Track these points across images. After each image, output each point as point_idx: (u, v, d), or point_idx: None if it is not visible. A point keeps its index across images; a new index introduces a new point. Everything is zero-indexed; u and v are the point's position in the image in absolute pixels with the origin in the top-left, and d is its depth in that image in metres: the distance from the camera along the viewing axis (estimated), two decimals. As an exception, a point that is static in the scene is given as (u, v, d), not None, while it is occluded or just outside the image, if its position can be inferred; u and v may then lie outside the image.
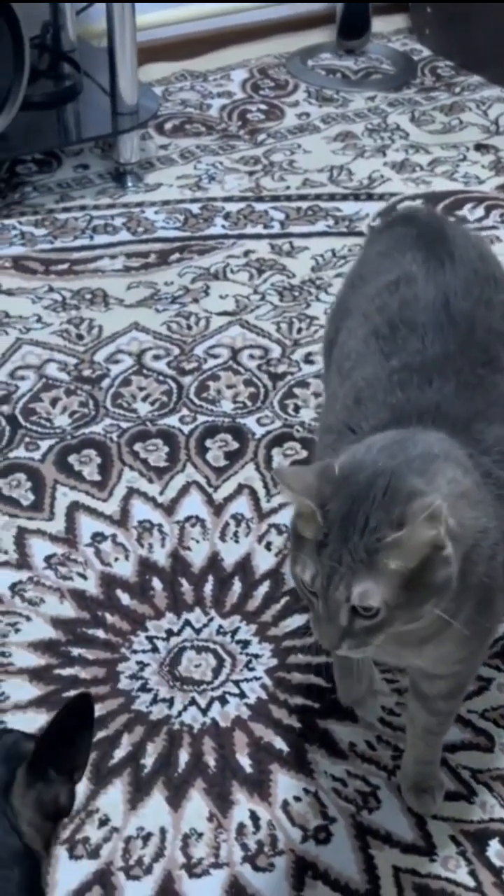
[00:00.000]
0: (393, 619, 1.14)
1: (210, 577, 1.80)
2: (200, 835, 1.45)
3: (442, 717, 1.42)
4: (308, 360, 2.19)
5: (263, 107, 3.06)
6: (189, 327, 2.30)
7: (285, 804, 1.49)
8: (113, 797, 1.49)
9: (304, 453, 1.99)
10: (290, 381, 2.15)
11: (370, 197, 2.68)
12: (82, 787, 1.50)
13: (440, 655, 1.28)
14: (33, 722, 1.58)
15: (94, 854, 1.43)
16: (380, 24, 3.35)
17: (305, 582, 1.17)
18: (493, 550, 1.23)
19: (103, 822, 1.47)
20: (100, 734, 1.57)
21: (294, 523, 1.19)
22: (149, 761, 1.54)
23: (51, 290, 2.40)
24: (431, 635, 1.21)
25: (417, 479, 1.15)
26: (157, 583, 1.79)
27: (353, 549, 1.12)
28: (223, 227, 2.58)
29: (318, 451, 1.44)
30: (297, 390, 2.13)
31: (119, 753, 1.55)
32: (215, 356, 2.23)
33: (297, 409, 2.09)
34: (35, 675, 1.65)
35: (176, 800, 1.49)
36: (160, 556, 1.83)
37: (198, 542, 1.86)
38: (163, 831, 1.46)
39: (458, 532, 1.16)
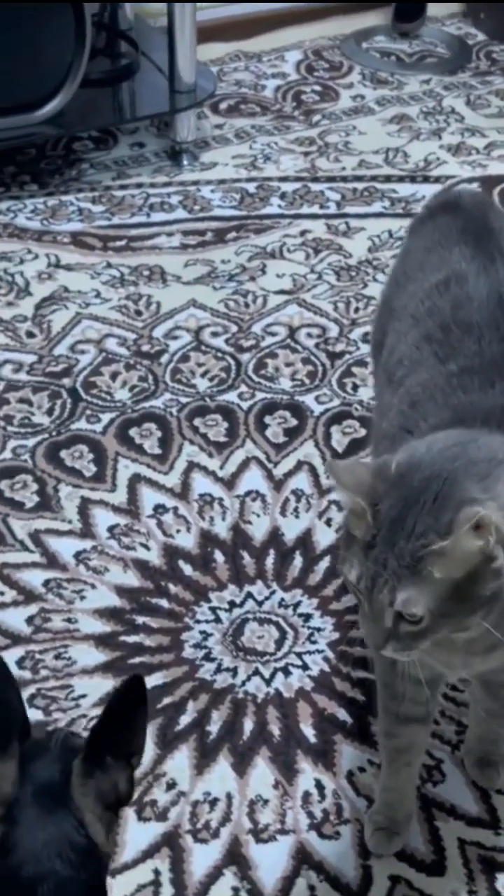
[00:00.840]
0: (438, 627, 1.11)
1: (271, 551, 1.81)
2: (266, 801, 1.47)
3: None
4: (366, 339, 2.19)
5: (318, 88, 3.06)
6: (246, 305, 2.31)
7: (350, 774, 1.51)
8: (179, 762, 1.51)
9: (362, 431, 2.00)
10: (348, 360, 2.16)
11: (426, 179, 2.68)
12: (149, 752, 1.52)
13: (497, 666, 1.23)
14: (100, 687, 1.61)
15: (161, 817, 1.45)
16: (435, 8, 3.34)
17: (352, 581, 1.15)
18: None
19: (170, 785, 1.49)
20: (165, 700, 1.59)
21: (346, 520, 1.16)
22: (214, 728, 1.56)
23: (109, 265, 2.42)
24: (492, 646, 1.16)
25: (474, 486, 1.11)
26: (218, 555, 1.81)
27: (398, 554, 1.09)
28: (279, 206, 2.59)
29: (374, 458, 1.40)
30: (355, 369, 2.14)
31: (185, 720, 1.57)
32: (273, 334, 2.24)
33: (355, 387, 2.10)
34: (101, 641, 1.67)
35: (241, 766, 1.51)
36: (221, 529, 1.85)
37: (258, 516, 1.87)
38: (229, 797, 1.48)
39: None
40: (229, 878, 1.39)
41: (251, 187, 2.65)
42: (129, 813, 1.45)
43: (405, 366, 1.36)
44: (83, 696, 1.59)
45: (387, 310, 1.49)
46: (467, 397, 1.26)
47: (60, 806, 0.98)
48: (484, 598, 1.09)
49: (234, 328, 2.25)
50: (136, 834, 1.43)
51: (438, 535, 1.08)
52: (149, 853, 1.41)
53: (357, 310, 2.28)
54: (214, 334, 2.24)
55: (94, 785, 0.99)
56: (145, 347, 2.21)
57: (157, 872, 1.39)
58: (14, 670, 1.61)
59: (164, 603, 1.73)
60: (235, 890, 1.37)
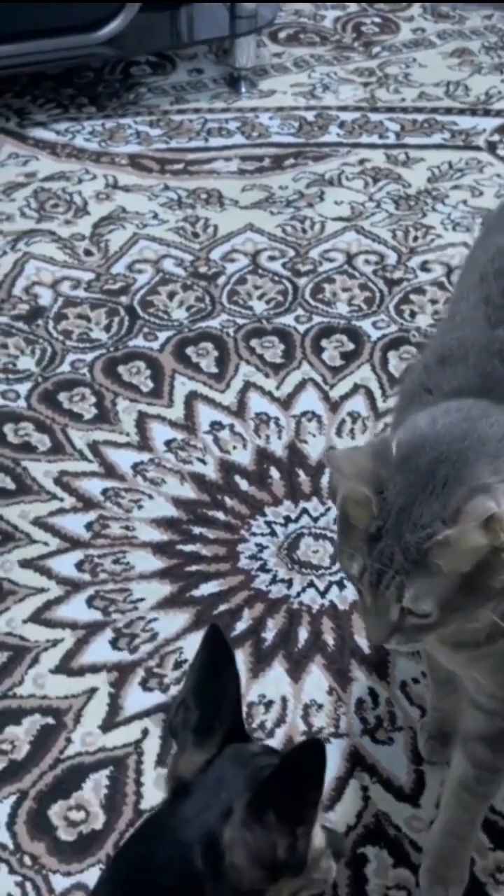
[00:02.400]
0: (446, 620, 1.04)
1: (327, 470, 1.82)
2: (320, 706, 1.49)
3: (479, 772, 1.24)
4: (424, 267, 2.19)
5: (378, 20, 3.03)
6: (304, 231, 2.30)
7: (403, 685, 1.52)
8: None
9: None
10: (406, 287, 2.16)
11: (487, 113, 2.65)
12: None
13: (484, 672, 1.15)
14: (157, 592, 1.63)
15: (218, 716, 1.48)
16: None
17: (353, 576, 1.06)
18: None
19: (226, 688, 1.51)
20: (221, 607, 1.61)
21: (342, 507, 1.07)
22: (269, 635, 1.58)
23: (167, 188, 2.41)
24: (482, 643, 1.10)
25: (485, 468, 1.02)
26: (274, 472, 1.82)
27: (405, 546, 1.01)
28: (338, 135, 2.57)
29: (394, 420, 1.28)
30: (413, 296, 2.13)
31: (241, 626, 1.59)
32: (331, 260, 2.23)
33: (413, 314, 2.10)
34: (158, 548, 1.69)
35: (296, 672, 1.53)
36: (277, 448, 1.86)
37: (314, 436, 1.88)
38: (284, 700, 1.50)
39: None
40: (284, 777, 1.41)
41: (310, 115, 2.64)
42: (185, 711, 1.48)
43: (456, 321, 1.27)
44: (141, 599, 1.62)
45: (471, 257, 1.40)
46: (503, 367, 1.16)
47: (209, 825, 0.95)
48: (495, 591, 1.02)
49: (291, 253, 2.24)
50: (192, 731, 1.46)
51: (444, 523, 1.00)
52: (205, 750, 1.44)
53: (416, 238, 2.27)
54: (271, 258, 2.23)
55: (248, 835, 0.94)
56: (202, 269, 2.21)
57: (213, 768, 1.42)
58: (73, 573, 1.66)
59: (220, 515, 1.75)
60: (290, 787, 1.40)
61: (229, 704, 1.00)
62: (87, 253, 2.24)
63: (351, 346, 2.04)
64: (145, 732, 1.46)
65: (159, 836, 0.97)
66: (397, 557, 1.01)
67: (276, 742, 1.45)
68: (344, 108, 2.67)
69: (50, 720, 1.47)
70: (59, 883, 1.30)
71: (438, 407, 1.10)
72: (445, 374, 1.17)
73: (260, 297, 2.15)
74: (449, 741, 1.42)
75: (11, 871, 1.32)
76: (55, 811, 1.38)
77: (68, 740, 1.45)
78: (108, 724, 1.47)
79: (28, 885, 1.30)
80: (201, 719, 0.99)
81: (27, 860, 1.33)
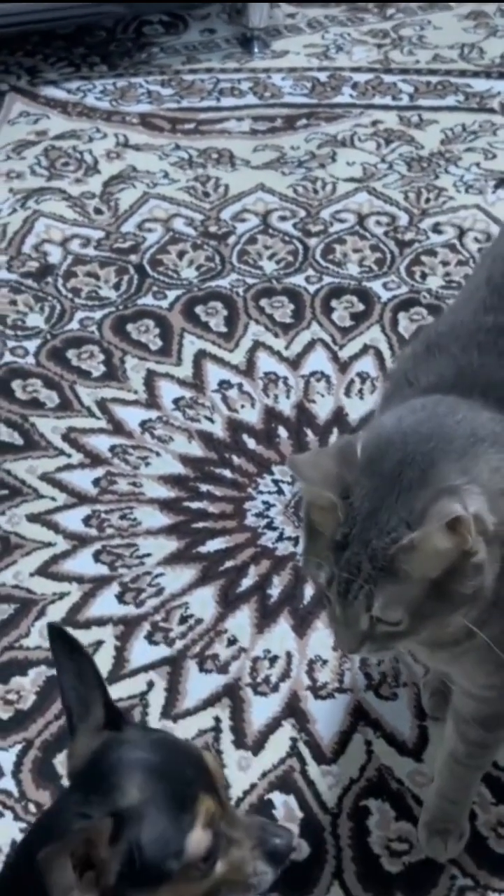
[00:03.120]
0: (417, 627, 1.01)
1: (335, 430, 1.82)
2: (325, 662, 1.50)
3: (471, 748, 1.24)
4: (436, 229, 2.18)
5: (393, -19, 3.00)
6: (315, 191, 2.29)
7: (407, 641, 1.53)
8: (240, 620, 1.54)
9: (430, 319, 1.99)
10: (417, 249, 2.14)
11: (502, 76, 2.62)
12: (210, 609, 1.55)
13: (470, 667, 1.14)
14: (164, 547, 1.63)
15: (223, 669, 1.48)
16: None
17: (321, 584, 1.03)
18: None
19: (231, 641, 1.52)
20: (228, 563, 1.62)
21: (307, 514, 1.04)
22: (275, 592, 1.58)
23: (177, 147, 2.40)
24: (461, 641, 1.06)
25: (452, 467, 0.99)
26: (282, 431, 1.82)
27: (372, 554, 0.97)
28: (351, 96, 2.55)
29: (380, 406, 1.25)
30: (424, 258, 2.12)
31: (246, 582, 1.59)
32: (342, 220, 2.22)
33: (424, 276, 2.08)
34: (165, 505, 1.69)
35: (301, 629, 1.54)
36: (285, 407, 1.86)
37: (322, 396, 1.88)
38: (289, 655, 1.50)
39: (500, 532, 0.99)
40: (287, 730, 1.42)
41: (322, 76, 2.61)
42: (190, 664, 1.49)
43: (457, 303, 1.24)
44: (147, 554, 1.62)
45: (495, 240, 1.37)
46: (481, 359, 1.13)
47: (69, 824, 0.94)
48: (465, 597, 0.99)
49: (302, 213, 2.23)
50: (197, 683, 1.46)
51: (409, 527, 0.97)
52: (210, 702, 1.45)
53: (428, 200, 2.26)
54: (282, 218, 2.22)
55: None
56: (212, 228, 2.20)
57: (217, 720, 1.43)
58: (80, 528, 1.66)
59: (227, 473, 1.75)
60: (293, 740, 1.41)
61: (92, 691, 1.00)
62: (97, 211, 2.23)
63: (361, 307, 2.03)
64: (150, 685, 1.47)
65: (37, 827, 1.01)
66: (364, 566, 0.98)
67: (280, 696, 1.46)
68: (357, 70, 2.64)
69: (56, 672, 1.48)
70: (64, 830, 1.32)
71: (405, 405, 1.07)
72: (428, 364, 1.14)
73: (270, 258, 2.14)
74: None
75: (16, 818, 1.33)
76: (60, 760, 1.38)
77: (74, 691, 1.46)
78: (114, 677, 1.47)
79: (33, 832, 1.32)
80: (74, 713, 1.00)
81: (32, 808, 1.34)
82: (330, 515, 1.00)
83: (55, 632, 1.01)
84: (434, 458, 0.99)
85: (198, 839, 0.95)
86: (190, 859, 0.94)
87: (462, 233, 2.17)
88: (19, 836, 1.30)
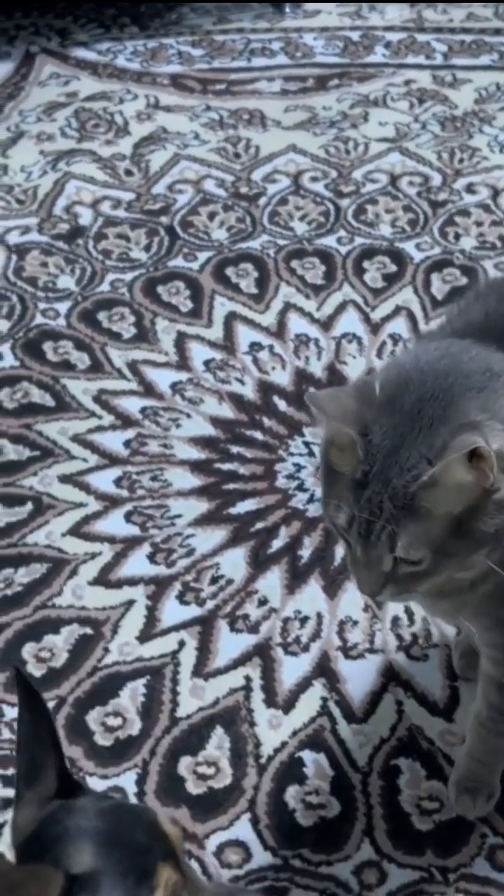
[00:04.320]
0: (441, 567, 1.00)
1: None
2: (356, 622, 1.50)
3: (491, 712, 1.24)
4: (470, 189, 2.15)
5: None
6: (347, 152, 2.26)
7: (439, 602, 1.53)
8: (271, 581, 1.54)
9: (463, 280, 1.97)
10: (450, 209, 2.12)
11: (537, 33, 2.58)
12: (241, 570, 1.55)
13: (471, 619, 1.12)
14: (195, 509, 1.64)
15: (253, 629, 1.49)
16: None
17: (341, 526, 1.01)
18: None
19: (262, 602, 1.52)
20: (258, 525, 1.62)
21: (325, 455, 1.03)
22: (305, 553, 1.58)
23: (208, 108, 2.38)
24: (464, 590, 1.06)
25: (471, 403, 0.98)
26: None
27: (393, 492, 0.97)
28: (384, 55, 2.52)
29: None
30: (458, 218, 2.10)
31: (277, 544, 1.59)
32: (374, 181, 2.19)
33: (457, 236, 2.06)
34: (196, 466, 1.70)
35: (332, 589, 1.54)
36: (316, 369, 1.85)
37: (354, 357, 1.87)
38: (319, 616, 1.51)
39: None
40: (318, 689, 1.42)
41: (355, 35, 2.58)
42: (221, 624, 1.49)
43: None
44: (178, 515, 1.63)
45: None
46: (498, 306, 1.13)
47: None
48: (488, 535, 0.98)
49: (333, 174, 2.21)
50: (227, 643, 1.47)
51: (429, 462, 0.96)
52: (240, 661, 1.45)
53: (462, 160, 2.23)
54: (314, 179, 2.20)
55: None
56: (243, 190, 2.18)
57: (248, 679, 1.43)
58: (111, 489, 1.67)
59: (258, 435, 1.75)
60: (324, 699, 1.41)
61: (47, 755, 0.94)
62: (128, 173, 2.22)
63: (393, 268, 2.01)
64: (181, 644, 1.47)
65: None
66: (386, 505, 0.97)
67: (311, 656, 1.46)
68: (390, 29, 2.61)
69: (88, 630, 1.49)
70: (97, 785, 1.33)
71: (419, 345, 1.07)
72: (467, 311, 1.15)
73: (301, 219, 2.12)
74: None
75: (49, 773, 1.34)
76: (93, 717, 1.40)
77: (106, 650, 1.46)
78: (145, 636, 1.48)
79: (65, 787, 1.33)
80: (22, 777, 0.94)
81: (65, 763, 1.35)
82: (349, 454, 0.99)
83: (20, 678, 0.95)
84: (454, 394, 0.99)
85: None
86: None
87: (496, 193, 2.14)
88: (52, 791, 1.32)
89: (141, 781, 1.33)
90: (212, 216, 2.13)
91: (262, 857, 1.27)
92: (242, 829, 1.29)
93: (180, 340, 1.89)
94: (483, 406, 0.98)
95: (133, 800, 1.32)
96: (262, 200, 2.16)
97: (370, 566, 1.01)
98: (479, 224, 2.08)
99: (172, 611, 1.51)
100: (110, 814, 0.92)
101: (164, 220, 2.12)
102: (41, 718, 0.94)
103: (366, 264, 2.02)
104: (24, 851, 0.91)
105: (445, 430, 0.96)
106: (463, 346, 1.04)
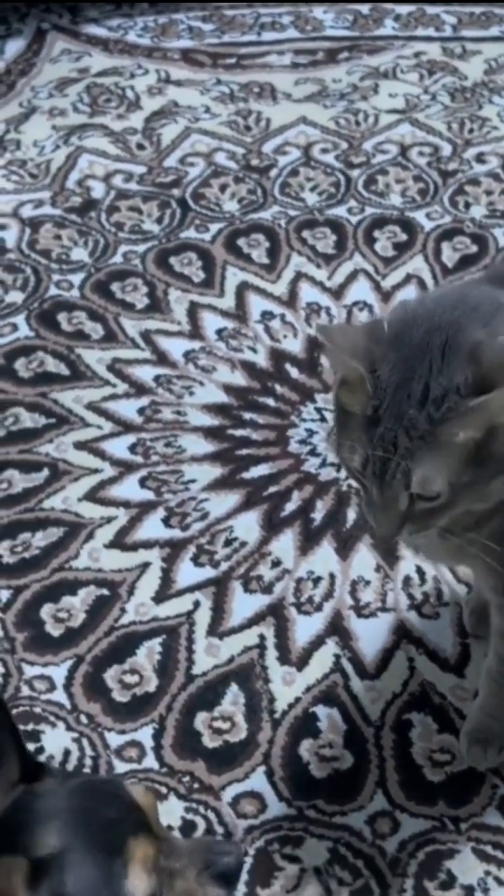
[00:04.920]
0: (458, 499, 1.00)
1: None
2: (368, 582, 1.52)
3: (502, 667, 1.26)
4: (480, 159, 2.16)
5: None
6: (357, 123, 2.28)
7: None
8: (284, 543, 1.57)
9: (474, 248, 1.98)
10: (460, 179, 2.13)
11: (547, 3, 2.59)
12: (255, 533, 1.58)
13: (471, 564, 1.15)
14: (209, 474, 1.66)
15: (267, 590, 1.51)
16: None
17: (355, 469, 1.01)
18: None
19: (275, 563, 1.54)
20: (271, 489, 1.64)
21: (337, 396, 1.03)
22: (318, 516, 1.60)
23: (219, 82, 2.39)
24: (475, 525, 1.05)
25: (481, 329, 0.98)
26: (325, 360, 1.83)
27: (409, 425, 0.96)
28: (393, 28, 2.53)
29: None
30: (468, 188, 2.11)
31: (290, 507, 1.61)
32: (384, 152, 2.21)
33: (467, 205, 2.07)
34: (209, 433, 1.72)
35: (344, 551, 1.56)
36: (328, 336, 1.87)
37: (365, 325, 1.89)
38: (332, 576, 1.53)
39: None
40: (331, 647, 1.44)
41: (364, 8, 2.59)
42: (235, 585, 1.52)
43: None
44: (192, 480, 1.65)
45: None
46: None
47: None
48: None
49: (344, 145, 2.22)
50: (241, 603, 1.49)
51: (461, 395, 0.95)
52: (254, 620, 1.47)
53: (471, 130, 2.24)
54: (324, 151, 2.22)
55: None
56: (254, 162, 2.20)
57: (262, 637, 1.46)
58: (126, 455, 1.69)
59: (270, 402, 1.77)
60: (337, 657, 1.43)
61: (4, 742, 0.92)
62: (140, 147, 2.23)
63: (404, 237, 2.03)
64: (197, 604, 1.50)
65: None
66: (401, 439, 0.96)
67: (323, 615, 1.48)
68: (399, 1, 2.61)
69: (105, 591, 1.51)
70: (114, 740, 1.36)
71: (434, 289, 1.07)
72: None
73: (312, 189, 2.14)
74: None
75: (69, 728, 1.37)
76: (110, 675, 1.42)
77: (122, 610, 1.49)
78: (161, 596, 1.51)
79: (84, 741, 1.36)
80: None
81: (83, 719, 1.38)
82: (359, 391, 0.98)
83: None
84: (461, 324, 0.98)
85: (137, 885, 0.88)
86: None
87: (506, 162, 2.15)
88: (71, 745, 1.35)
89: (158, 736, 1.36)
90: (223, 188, 2.14)
91: (277, 808, 1.30)
92: (258, 781, 1.32)
93: (193, 310, 1.91)
94: (491, 332, 0.98)
95: (150, 755, 1.35)
96: (273, 172, 2.17)
97: (386, 506, 1.00)
98: (488, 193, 2.09)
99: (187, 572, 1.54)
100: (77, 792, 0.92)
101: (175, 192, 2.13)
102: None
103: (376, 234, 2.04)
104: None
105: (462, 353, 0.96)
106: (472, 283, 1.06)
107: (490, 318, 0.99)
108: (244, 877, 1.23)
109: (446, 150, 2.20)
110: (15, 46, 2.52)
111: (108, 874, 0.87)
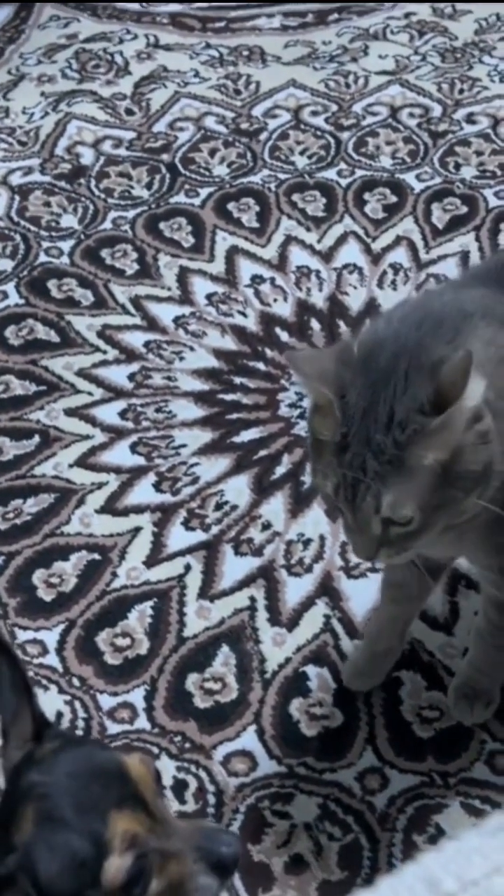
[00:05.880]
0: (432, 522, 1.00)
1: (367, 320, 1.83)
2: (358, 543, 1.53)
3: (491, 627, 1.26)
4: (470, 119, 2.15)
5: None
6: (347, 85, 2.26)
7: (439, 523, 1.55)
8: (274, 506, 1.57)
9: (464, 209, 1.98)
10: (451, 140, 2.12)
11: (539, -40, 2.56)
12: (245, 496, 1.58)
13: (471, 548, 1.15)
14: (199, 438, 1.66)
15: (257, 553, 1.52)
16: None
17: (329, 495, 1.02)
18: None
19: (266, 526, 1.55)
20: (261, 452, 1.64)
21: (311, 423, 1.04)
22: (308, 479, 1.61)
23: (208, 46, 2.38)
24: (468, 521, 1.04)
25: (446, 347, 0.98)
26: (315, 323, 1.83)
27: (377, 450, 0.96)
28: (383, -12, 2.51)
29: None
30: (458, 148, 2.10)
31: (280, 470, 1.62)
32: (374, 114, 2.19)
33: (457, 166, 2.06)
34: (200, 397, 1.72)
35: (334, 514, 1.56)
36: (318, 300, 1.86)
37: (355, 288, 1.88)
38: (322, 538, 1.54)
39: (499, 405, 0.99)
40: (321, 607, 1.45)
41: (354, -31, 2.57)
42: (226, 548, 1.53)
43: None
44: (183, 445, 1.65)
45: None
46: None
47: None
48: (476, 474, 0.98)
49: (334, 107, 2.21)
50: (232, 566, 1.50)
51: (423, 413, 0.95)
52: (245, 582, 1.49)
53: (462, 91, 2.22)
54: (314, 113, 2.20)
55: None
56: (244, 125, 2.19)
57: (252, 599, 1.47)
58: (116, 421, 1.70)
59: (260, 366, 1.77)
60: (327, 617, 1.44)
61: (21, 700, 0.95)
62: (129, 112, 2.22)
63: (394, 199, 2.02)
64: (188, 567, 1.51)
65: None
66: (370, 464, 0.97)
67: (313, 576, 1.49)
68: (390, -40, 2.59)
69: (96, 556, 1.52)
70: (106, 702, 1.37)
71: (401, 303, 1.07)
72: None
73: (302, 153, 2.13)
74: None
75: (61, 691, 1.38)
76: (102, 638, 1.44)
77: (114, 574, 1.50)
78: (152, 560, 1.52)
79: (77, 704, 1.37)
80: (6, 720, 0.96)
81: (76, 682, 1.39)
82: (329, 417, 0.99)
83: None
84: (425, 343, 0.98)
85: (114, 866, 0.86)
86: (109, 889, 0.86)
87: (496, 122, 2.13)
88: (64, 708, 1.36)
89: (149, 697, 1.37)
90: (213, 152, 2.14)
91: (267, 766, 1.31)
92: (249, 740, 1.33)
93: (182, 275, 1.91)
94: (456, 348, 0.98)
95: (142, 716, 1.36)
96: (263, 135, 2.16)
97: (361, 530, 1.01)
98: (479, 153, 2.08)
99: (178, 536, 1.55)
100: (69, 763, 0.91)
101: (165, 157, 2.12)
102: (14, 666, 0.95)
103: (366, 196, 2.03)
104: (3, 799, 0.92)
105: (423, 374, 0.95)
106: (438, 292, 1.04)
107: (454, 334, 0.99)
108: (236, 833, 1.25)
109: (436, 111, 2.18)
110: (2, 13, 2.51)
111: (85, 856, 0.85)
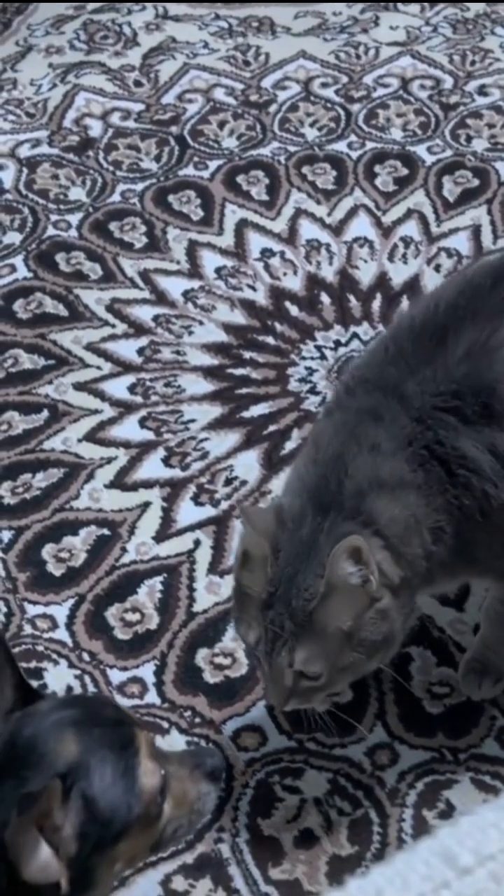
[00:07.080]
0: (336, 680, 1.13)
1: (378, 295, 1.82)
2: (368, 519, 1.52)
3: (501, 608, 1.30)
4: (482, 91, 2.13)
5: None
6: (358, 57, 2.24)
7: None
8: (284, 481, 1.57)
9: (475, 182, 1.96)
10: (462, 112, 2.10)
11: None
12: (255, 471, 1.58)
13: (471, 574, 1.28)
14: (208, 413, 1.66)
15: (267, 528, 1.52)
16: None
17: (250, 644, 1.14)
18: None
19: (276, 501, 1.55)
20: (271, 427, 1.64)
21: (238, 578, 1.15)
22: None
23: (217, 17, 2.35)
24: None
25: (354, 525, 1.10)
26: (325, 297, 1.82)
27: (292, 612, 1.09)
28: (394, -43, 2.48)
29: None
30: (469, 121, 2.08)
31: (289, 445, 1.61)
32: (385, 85, 2.17)
33: (469, 139, 2.04)
34: (209, 372, 1.71)
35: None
36: (328, 273, 1.85)
37: (366, 261, 1.87)
38: (332, 513, 1.53)
39: (403, 574, 1.11)
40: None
41: None
42: (235, 523, 1.51)
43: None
44: (192, 420, 1.65)
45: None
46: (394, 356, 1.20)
47: None
48: (378, 644, 1.11)
49: (344, 79, 2.19)
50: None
51: (321, 577, 1.08)
52: (255, 558, 1.48)
53: (473, 63, 2.20)
54: (324, 85, 2.18)
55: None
56: (253, 97, 2.17)
57: (262, 574, 1.46)
58: (125, 395, 1.69)
59: (270, 340, 1.76)
60: (337, 593, 1.44)
61: (2, 671, 0.97)
62: (137, 84, 2.20)
63: (405, 172, 2.00)
64: (197, 543, 1.51)
65: None
66: (287, 624, 1.09)
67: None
68: None
69: (105, 531, 1.52)
70: (116, 676, 1.37)
71: (308, 454, 1.18)
72: (353, 384, 1.22)
73: (312, 125, 2.11)
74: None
75: (71, 665, 1.38)
76: (112, 613, 1.44)
77: (123, 550, 1.50)
78: (162, 536, 1.51)
79: (87, 678, 1.37)
80: None
81: (85, 656, 1.39)
82: (260, 572, 1.10)
83: None
84: (336, 522, 1.10)
85: (148, 770, 0.96)
86: (147, 795, 0.95)
87: (509, 94, 2.12)
88: (74, 682, 1.36)
89: (159, 672, 1.37)
90: (222, 125, 2.12)
91: (277, 741, 1.31)
92: (258, 715, 1.33)
93: (192, 248, 1.90)
94: (364, 523, 1.10)
95: (152, 690, 1.36)
96: (273, 107, 2.14)
97: (275, 681, 1.12)
98: (490, 126, 2.06)
99: (188, 511, 1.54)
100: (76, 703, 1.01)
101: (174, 129, 2.11)
102: None
103: (377, 168, 2.01)
104: (4, 767, 0.93)
105: (330, 544, 1.07)
106: (346, 447, 1.13)
107: (362, 511, 1.10)
108: (246, 808, 1.25)
109: (448, 82, 2.16)
110: (9, -17, 2.48)
111: (126, 766, 0.95)
